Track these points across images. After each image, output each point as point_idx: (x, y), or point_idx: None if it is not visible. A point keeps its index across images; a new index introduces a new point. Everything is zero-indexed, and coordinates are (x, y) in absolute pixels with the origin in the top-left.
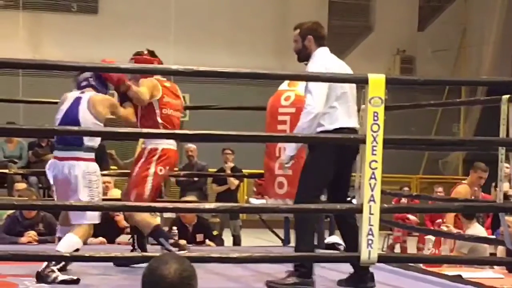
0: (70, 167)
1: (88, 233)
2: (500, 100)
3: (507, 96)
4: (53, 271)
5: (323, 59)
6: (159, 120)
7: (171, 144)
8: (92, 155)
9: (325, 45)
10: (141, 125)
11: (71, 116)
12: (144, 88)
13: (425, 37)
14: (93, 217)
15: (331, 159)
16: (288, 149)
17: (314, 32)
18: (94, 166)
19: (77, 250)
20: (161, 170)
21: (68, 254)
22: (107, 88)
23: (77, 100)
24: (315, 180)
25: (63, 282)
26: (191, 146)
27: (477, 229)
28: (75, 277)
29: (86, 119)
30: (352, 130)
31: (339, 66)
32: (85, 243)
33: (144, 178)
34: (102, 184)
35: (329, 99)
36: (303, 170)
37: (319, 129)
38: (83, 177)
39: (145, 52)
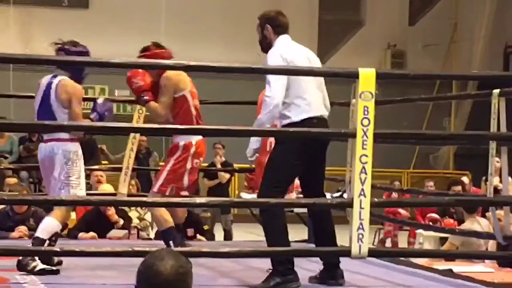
0: (53, 147)
1: (67, 215)
2: (490, 94)
3: (498, 90)
4: (33, 259)
5: (281, 48)
6: (193, 112)
7: (200, 136)
8: (71, 136)
9: (286, 33)
10: (177, 117)
11: (46, 103)
12: (162, 103)
13: (416, 31)
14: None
15: (298, 153)
16: (251, 143)
17: (272, 21)
18: (73, 146)
19: (56, 233)
20: (196, 163)
21: (58, 249)
22: (81, 75)
23: (49, 85)
24: (280, 175)
25: (42, 271)
26: None
27: (475, 223)
28: (54, 268)
29: (56, 104)
30: (321, 120)
31: (299, 54)
32: (76, 237)
33: (181, 174)
34: (83, 169)
35: (294, 89)
36: (269, 163)
37: (285, 122)
38: (63, 156)
39: (152, 46)
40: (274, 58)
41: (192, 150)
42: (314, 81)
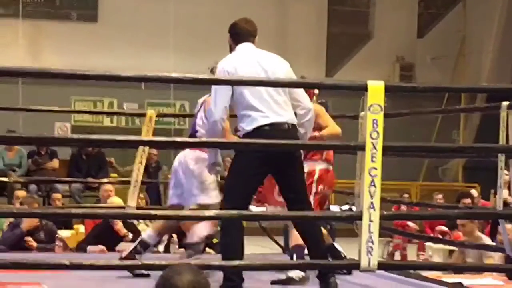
0: None
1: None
2: (499, 107)
3: (506, 103)
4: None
5: (226, 60)
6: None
7: (326, 166)
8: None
9: (248, 41)
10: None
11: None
12: (332, 125)
13: (424, 44)
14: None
15: (254, 163)
16: (208, 157)
17: (232, 29)
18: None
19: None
20: (321, 189)
21: (67, 263)
22: None
23: (198, 106)
24: (239, 187)
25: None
26: None
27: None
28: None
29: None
30: (275, 125)
31: (247, 63)
32: (85, 250)
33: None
34: None
35: (242, 101)
36: (227, 176)
37: (241, 134)
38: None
39: None
40: (218, 71)
41: (315, 177)
42: (263, 88)
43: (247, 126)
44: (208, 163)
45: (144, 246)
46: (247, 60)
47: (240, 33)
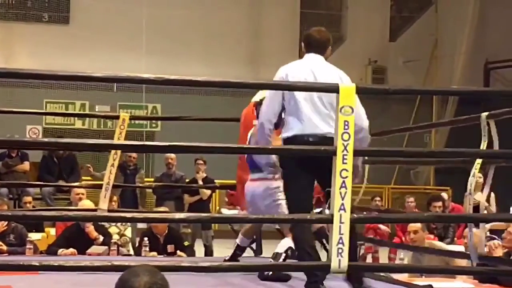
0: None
1: None
2: (475, 117)
3: (485, 113)
4: None
5: (289, 64)
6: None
7: None
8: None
9: (316, 52)
10: None
11: None
12: None
13: (396, 47)
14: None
15: (297, 169)
16: (261, 158)
17: (304, 39)
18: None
19: (290, 248)
20: None
21: (37, 263)
22: None
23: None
24: (292, 194)
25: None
26: (171, 154)
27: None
28: None
29: None
30: (317, 137)
31: (300, 72)
32: (55, 253)
33: None
34: None
35: (289, 107)
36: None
37: (283, 139)
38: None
39: None
40: (276, 74)
41: None
42: (309, 98)
43: (285, 133)
44: (262, 163)
45: (241, 250)
46: (303, 68)
47: (309, 44)
